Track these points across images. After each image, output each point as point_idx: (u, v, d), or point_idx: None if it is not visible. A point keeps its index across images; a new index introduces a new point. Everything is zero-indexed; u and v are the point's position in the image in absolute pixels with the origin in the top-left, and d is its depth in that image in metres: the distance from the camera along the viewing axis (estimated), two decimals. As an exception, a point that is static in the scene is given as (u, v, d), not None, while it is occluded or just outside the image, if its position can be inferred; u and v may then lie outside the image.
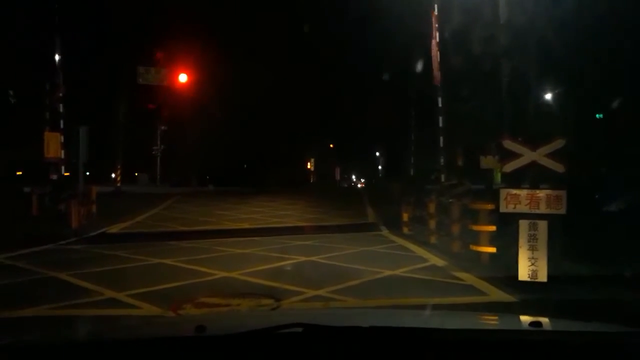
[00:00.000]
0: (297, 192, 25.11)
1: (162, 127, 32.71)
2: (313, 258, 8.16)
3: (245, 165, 46.56)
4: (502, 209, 6.33)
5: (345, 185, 53.20)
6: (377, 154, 53.05)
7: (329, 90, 40.60)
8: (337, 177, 57.27)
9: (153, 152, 32.89)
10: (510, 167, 6.49)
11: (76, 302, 5.49)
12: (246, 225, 13.06)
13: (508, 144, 6.55)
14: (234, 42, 30.71)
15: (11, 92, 17.48)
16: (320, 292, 5.85)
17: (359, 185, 49.66)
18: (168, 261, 7.95)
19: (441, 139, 15.80)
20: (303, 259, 8.13)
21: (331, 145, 56.09)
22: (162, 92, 21.85)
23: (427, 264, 7.75)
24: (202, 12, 27.29)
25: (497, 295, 5.79)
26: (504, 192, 6.31)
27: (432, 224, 10.05)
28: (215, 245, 9.60)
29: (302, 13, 34.93)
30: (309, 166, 56.01)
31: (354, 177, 63.32)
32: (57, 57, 13.51)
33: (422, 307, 5.27)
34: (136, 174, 37.07)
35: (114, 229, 12.30)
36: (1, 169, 15.02)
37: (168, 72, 18.66)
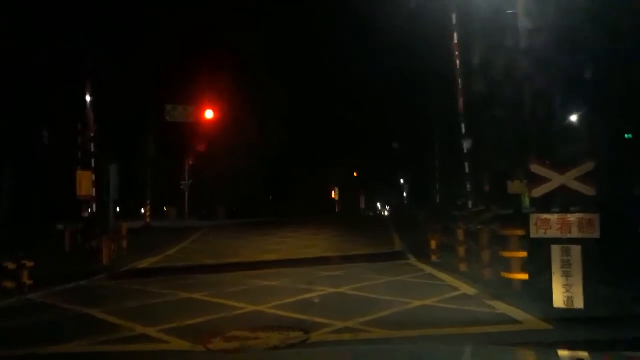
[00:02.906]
0: (322, 221, 25.07)
1: (190, 162, 33.37)
2: (341, 289, 8.09)
3: (270, 197, 46.88)
4: (533, 235, 6.20)
5: (371, 214, 52.86)
6: (402, 181, 52.79)
7: (352, 118, 40.89)
8: (362, 205, 57.06)
9: (181, 187, 33.49)
10: (539, 192, 6.38)
11: (109, 339, 5.55)
12: (273, 257, 13.05)
13: (536, 168, 6.46)
14: (257, 73, 31.33)
15: (45, 133, 18.21)
16: (349, 324, 5.78)
17: (384, 213, 49.30)
18: (197, 295, 8.00)
19: (466, 164, 15.66)
20: (331, 290, 8.07)
21: (355, 174, 56.14)
22: (198, 129, 22.43)
23: (457, 292, 7.60)
24: (223, 46, 28.08)
25: (532, 323, 5.62)
26: (534, 217, 6.19)
27: (461, 251, 9.88)
28: (243, 278, 9.63)
29: (321, 40, 35.53)
30: (333, 195, 56.05)
31: (378, 204, 62.93)
32: (88, 99, 14.09)
33: (455, 338, 5.16)
34: (165, 209, 37.68)
35: (144, 264, 12.46)
36: (36, 207, 15.49)
37: (195, 109, 19.17)
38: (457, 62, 15.63)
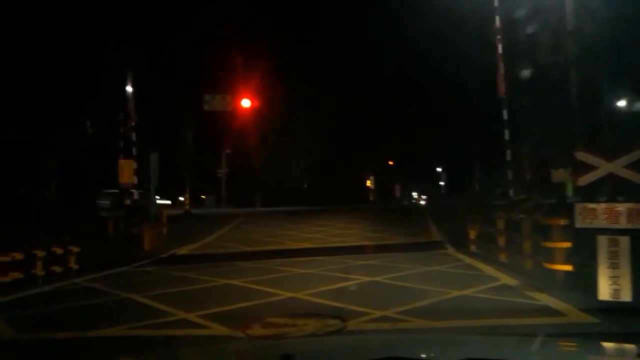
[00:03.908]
0: (357, 210, 25.01)
1: (227, 151, 33.87)
2: (377, 278, 8.05)
3: (305, 185, 47.12)
4: (578, 225, 5.98)
5: (406, 203, 52.39)
6: (439, 169, 51.98)
7: (388, 106, 40.44)
8: (397, 194, 56.63)
9: (219, 175, 34.06)
10: (585, 180, 6.14)
11: (150, 323, 5.70)
12: (308, 245, 13.13)
13: (582, 155, 6.21)
14: (295, 63, 31.40)
15: (88, 123, 18.83)
16: (387, 313, 5.75)
17: (420, 202, 48.75)
18: (235, 282, 8.13)
19: (507, 152, 15.22)
20: (367, 279, 8.04)
21: (390, 162, 55.67)
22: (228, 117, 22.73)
23: (497, 283, 7.44)
24: (263, 36, 28.21)
25: (576, 315, 5.44)
26: (578, 207, 5.96)
27: (502, 241, 9.65)
28: (279, 266, 9.72)
29: (359, 31, 35.16)
30: (368, 184, 55.80)
31: (414, 193, 62.25)
32: (129, 89, 14.44)
33: (495, 329, 5.05)
34: (203, 197, 38.45)
35: (184, 250, 12.76)
36: (80, 195, 16.10)
37: (232, 98, 19.36)
38: (499, 46, 15.13)
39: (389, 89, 39.43)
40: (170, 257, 11.71)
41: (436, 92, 31.21)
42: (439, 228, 15.73)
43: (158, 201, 16.70)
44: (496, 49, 15.20)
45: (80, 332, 5.45)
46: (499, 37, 15.07)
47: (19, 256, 8.35)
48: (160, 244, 12.96)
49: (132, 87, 14.55)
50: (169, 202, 29.31)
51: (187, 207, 23.60)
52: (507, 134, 15.09)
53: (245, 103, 19.59)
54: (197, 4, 24.98)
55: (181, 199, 27.00)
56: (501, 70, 15.14)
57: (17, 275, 8.31)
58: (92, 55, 16.58)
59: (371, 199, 52.09)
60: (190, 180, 23.62)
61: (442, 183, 51.91)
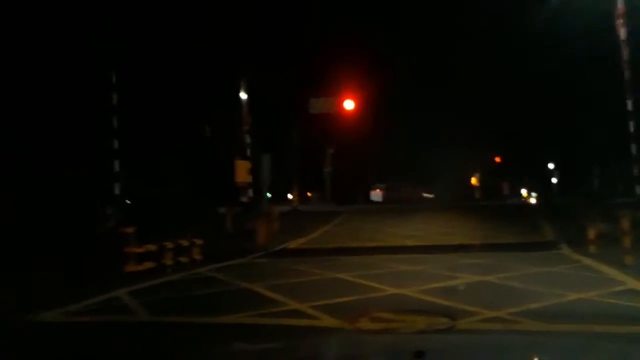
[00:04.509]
0: (462, 208, 24.25)
1: (331, 150, 34.62)
2: (486, 278, 7.86)
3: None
4: None
5: (515, 201, 49.54)
6: (551, 166, 48.41)
7: (493, 100, 38.51)
8: (505, 192, 53.71)
9: (324, 173, 34.94)
10: None
11: (266, 312, 6.06)
12: (413, 242, 13.08)
13: None
14: (394, 60, 31.16)
15: (207, 127, 20.43)
16: (498, 313, 5.62)
17: (530, 200, 45.82)
18: (342, 276, 8.40)
19: (633, 146, 13.89)
20: (475, 278, 7.88)
21: (497, 159, 52.93)
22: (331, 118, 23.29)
23: (622, 287, 6.89)
24: (363, 37, 28.37)
25: None
26: None
27: (627, 241, 8.90)
28: (384, 262, 9.84)
29: (468, 22, 33.84)
30: (473, 181, 53.62)
31: (523, 191, 58.55)
32: (243, 96, 15.48)
33: (618, 336, 4.73)
34: (308, 194, 39.65)
35: (294, 244, 13.37)
36: (201, 193, 17.53)
37: (336, 101, 19.82)
38: (622, 30, 13.85)
39: (495, 81, 37.52)
40: (281, 251, 12.35)
41: (549, 83, 29.12)
42: (552, 227, 14.79)
43: (269, 199, 17.61)
44: (620, 35, 13.94)
45: (204, 318, 5.95)
46: (621, 20, 13.81)
47: (151, 248, 9.39)
48: (272, 238, 13.64)
49: (247, 92, 15.59)
50: (276, 199, 30.65)
51: (295, 204, 24.57)
52: (631, 126, 13.79)
53: (348, 105, 19.93)
54: (301, 8, 25.73)
55: (289, 196, 28.14)
56: (625, 57, 13.86)
57: (150, 264, 9.33)
58: (210, 63, 17.93)
59: (477, 196, 50.03)
60: (297, 178, 24.59)
61: (554, 180, 48.30)
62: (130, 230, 9.27)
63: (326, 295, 6.71)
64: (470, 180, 53.25)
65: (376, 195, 39.96)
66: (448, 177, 43.41)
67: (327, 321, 5.62)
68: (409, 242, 13.14)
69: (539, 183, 49.86)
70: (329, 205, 31.11)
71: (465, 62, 35.21)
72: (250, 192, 15.49)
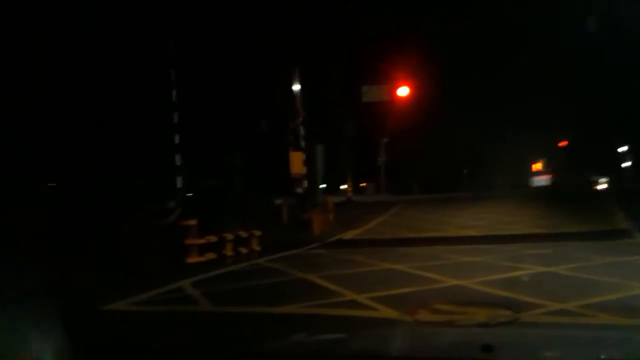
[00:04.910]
0: (523, 196, 23.34)
1: (385, 139, 34.27)
2: (552, 269, 7.52)
3: (465, 171, 45.33)
4: None
5: (582, 187, 47.03)
6: (625, 148, 45.50)
7: (558, 80, 36.55)
8: (572, 177, 51.15)
9: (378, 163, 34.66)
10: None
11: (323, 302, 6.11)
12: (472, 233, 12.73)
13: None
14: (449, 46, 30.27)
15: (263, 121, 20.81)
16: (565, 306, 5.37)
17: (598, 187, 43.40)
18: (399, 267, 8.31)
19: None
20: (540, 269, 7.56)
21: (563, 143, 50.38)
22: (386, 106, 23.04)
23: None
24: (418, 23, 27.76)
25: None
26: None
27: None
28: (442, 253, 9.64)
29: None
30: (537, 167, 51.43)
31: (591, 177, 55.46)
32: (296, 87, 15.59)
33: None
34: (362, 184, 39.53)
35: (349, 235, 13.37)
36: (258, 185, 17.92)
37: (389, 88, 19.54)
38: None
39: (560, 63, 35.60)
40: (337, 241, 12.37)
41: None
42: (625, 214, 13.92)
43: (324, 190, 17.74)
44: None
45: (264, 308, 6.06)
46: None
47: (212, 239, 9.70)
48: (328, 229, 13.70)
49: (300, 83, 15.68)
50: (330, 189, 30.79)
51: (349, 194, 24.57)
52: None
53: (402, 91, 19.56)
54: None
55: (342, 187, 28.15)
56: None
57: (211, 255, 9.64)
58: (264, 56, 18.21)
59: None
60: (351, 169, 24.55)
61: (626, 165, 45.39)
62: (192, 222, 9.60)
63: (383, 287, 6.67)
64: (531, 167, 51.14)
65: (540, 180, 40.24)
66: (508, 164, 41.89)
67: (386, 312, 5.59)
68: (468, 233, 12.79)
69: (608, 168, 47.11)
70: (384, 195, 30.89)
71: (531, 44, 33.71)
72: (305, 183, 15.61)
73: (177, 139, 13.51)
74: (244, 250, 10.29)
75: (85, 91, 13.94)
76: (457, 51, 30.80)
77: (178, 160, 13.49)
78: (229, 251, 9.93)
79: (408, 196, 28.01)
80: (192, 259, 9.32)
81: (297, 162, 15.04)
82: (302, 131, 15.38)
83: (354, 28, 24.49)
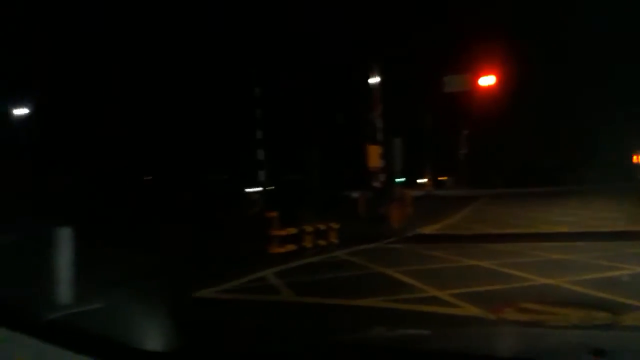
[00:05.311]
0: (619, 190, 21.55)
1: (465, 132, 33.17)
2: (656, 269, 6.90)
3: (552, 164, 42.74)
4: None
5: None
6: None
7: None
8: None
9: (459, 156, 33.65)
10: None
11: (403, 297, 6.03)
12: (561, 229, 11.98)
13: None
14: (536, 34, 28.60)
15: (340, 115, 20.95)
16: (674, 310, 4.91)
17: None
18: (483, 263, 8.02)
19: None
20: (641, 269, 6.97)
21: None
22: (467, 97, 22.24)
23: None
24: (502, 13, 26.50)
25: None
26: None
27: None
28: (530, 250, 9.18)
29: None
30: (635, 160, 47.26)
31: None
32: (373, 80, 15.48)
33: None
34: (442, 178, 38.60)
35: (428, 229, 13.11)
36: (335, 179, 18.09)
37: (471, 77, 18.82)
38: None
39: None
40: (416, 236, 12.17)
41: None
42: None
43: (401, 183, 17.55)
44: None
45: (343, 300, 6.09)
46: None
47: (293, 231, 9.93)
48: (406, 223, 13.53)
49: (378, 76, 15.57)
50: (409, 183, 30.32)
51: (429, 188, 24.10)
52: None
53: (486, 80, 18.72)
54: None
55: (419, 181, 27.64)
56: None
57: (292, 247, 9.88)
58: (343, 49, 18.32)
59: (640, 177, 44.08)
60: (430, 162, 24.04)
61: None
62: (274, 214, 9.89)
63: (466, 283, 6.48)
64: (631, 159, 47.08)
65: None
66: (601, 157, 38.90)
67: (469, 310, 5.41)
68: (557, 229, 12.05)
69: None
70: (465, 189, 29.92)
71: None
72: (383, 177, 15.50)
73: (259, 134, 13.98)
74: (322, 243, 10.44)
75: (177, 95, 14.88)
76: (546, 36, 29.04)
77: (260, 155, 13.95)
78: (308, 243, 10.12)
79: (491, 190, 26.94)
80: (273, 250, 9.60)
81: (374, 155, 14.95)
82: (379, 124, 15.25)
83: (433, 17, 23.89)
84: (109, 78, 14.65)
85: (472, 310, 5.37)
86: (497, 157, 35.92)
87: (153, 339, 1.50)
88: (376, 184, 15.25)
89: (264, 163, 14.15)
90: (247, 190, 13.96)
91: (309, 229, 10.22)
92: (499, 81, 18.46)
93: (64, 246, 5.64)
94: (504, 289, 6.26)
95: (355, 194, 15.64)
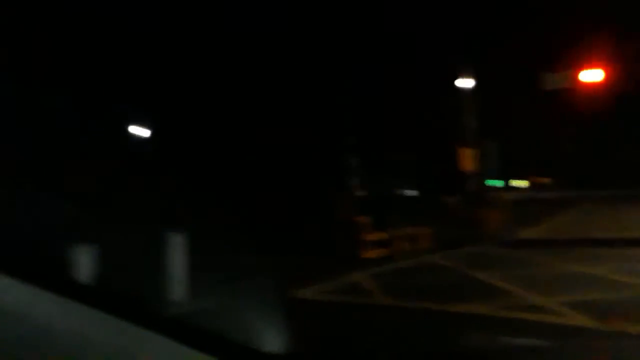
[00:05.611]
0: None
1: (568, 131, 31.17)
2: None
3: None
4: None
5: None
6: None
7: None
8: None
9: (562, 157, 31.69)
10: None
11: (502, 304, 5.78)
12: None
13: None
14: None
15: (432, 119, 20.59)
16: None
17: None
18: (589, 270, 7.57)
19: None
20: None
21: None
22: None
23: None
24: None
25: None
26: None
27: None
28: (643, 256, 8.47)
29: None
30: None
31: None
32: (468, 82, 15.08)
33: None
34: (540, 180, 36.64)
35: (526, 233, 12.55)
36: (427, 183, 17.85)
37: (572, 73, 17.61)
38: None
39: None
40: (513, 241, 11.71)
41: None
42: None
43: (496, 186, 16.93)
44: None
45: (440, 305, 5.97)
46: None
47: (384, 236, 10.00)
48: (502, 227, 13.07)
49: (472, 77, 15.15)
50: (505, 186, 29.07)
51: (527, 191, 23.02)
52: None
53: (591, 76, 17.31)
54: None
55: (516, 184, 26.45)
56: None
57: (384, 251, 9.94)
58: (434, 51, 18.08)
59: None
60: (528, 164, 22.91)
61: None
62: (365, 219, 10.03)
63: (571, 291, 6.14)
64: None
65: None
66: None
67: (578, 319, 5.10)
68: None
69: None
70: (567, 191, 28.09)
71: None
72: (477, 180, 15.02)
73: (351, 140, 14.18)
74: (414, 247, 10.38)
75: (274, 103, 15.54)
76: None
77: (352, 159, 14.14)
78: (399, 247, 10.11)
79: (594, 192, 25.09)
80: (366, 254, 9.72)
81: (467, 158, 14.53)
82: (473, 126, 14.80)
83: (526, 15, 22.72)
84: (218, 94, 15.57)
85: (581, 320, 5.05)
86: (604, 157, 33.37)
87: (269, 340, 1.49)
88: (470, 187, 14.82)
89: (355, 167, 14.32)
90: (341, 194, 14.21)
91: (400, 233, 10.22)
92: (608, 77, 17.01)
93: (178, 248, 6.16)
94: (614, 298, 5.88)
95: (447, 198, 15.31)
